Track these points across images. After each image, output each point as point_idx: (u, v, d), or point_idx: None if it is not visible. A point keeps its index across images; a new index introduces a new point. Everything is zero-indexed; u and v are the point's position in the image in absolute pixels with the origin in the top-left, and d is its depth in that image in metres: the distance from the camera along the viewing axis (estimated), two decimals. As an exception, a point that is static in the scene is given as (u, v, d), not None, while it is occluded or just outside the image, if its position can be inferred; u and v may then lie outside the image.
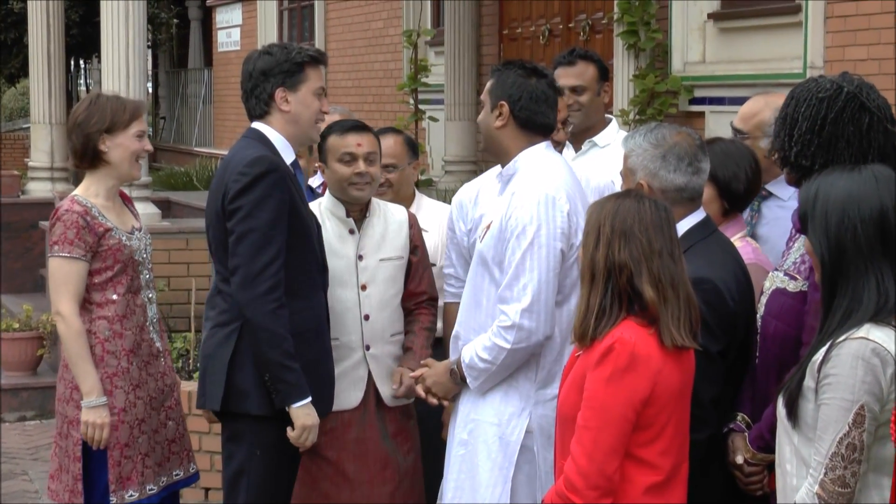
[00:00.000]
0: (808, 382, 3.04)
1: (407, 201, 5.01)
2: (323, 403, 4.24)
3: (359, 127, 4.60)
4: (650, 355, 3.24)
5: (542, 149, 4.08)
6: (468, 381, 4.02)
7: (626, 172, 3.80)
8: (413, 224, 4.68)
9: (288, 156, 4.25)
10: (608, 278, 3.28)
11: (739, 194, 4.05)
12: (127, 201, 4.82)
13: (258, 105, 4.28)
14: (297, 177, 4.29)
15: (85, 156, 4.64)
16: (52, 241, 4.57)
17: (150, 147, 4.77)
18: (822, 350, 3.02)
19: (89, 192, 4.66)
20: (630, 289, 3.27)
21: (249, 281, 4.05)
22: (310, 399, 4.12)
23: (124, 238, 4.61)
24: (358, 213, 4.58)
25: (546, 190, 3.93)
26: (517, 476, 3.95)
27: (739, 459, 3.63)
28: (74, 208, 4.56)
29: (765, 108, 4.31)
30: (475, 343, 3.99)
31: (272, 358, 4.06)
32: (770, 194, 4.37)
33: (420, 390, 4.26)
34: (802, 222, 3.18)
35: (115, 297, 4.57)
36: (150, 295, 4.71)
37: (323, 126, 4.45)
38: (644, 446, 3.26)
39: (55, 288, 4.55)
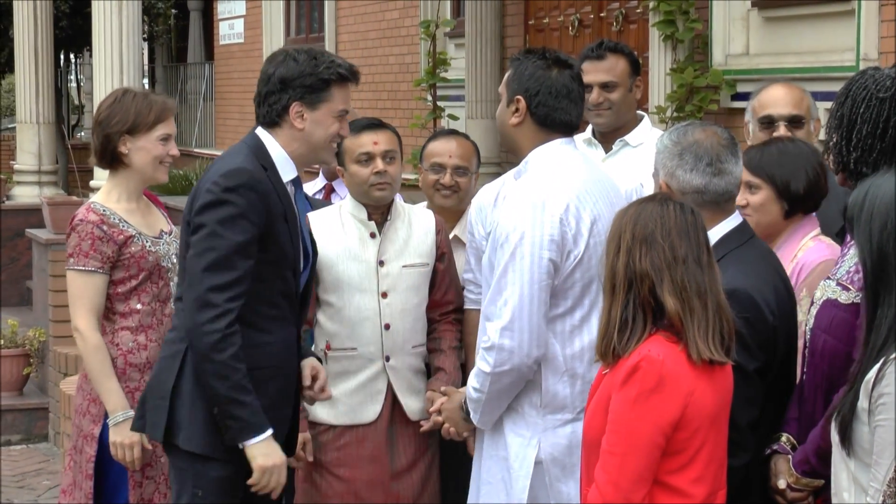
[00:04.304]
0: (863, 403, 3.04)
1: (462, 213, 5.02)
2: None
3: (374, 125, 4.68)
4: (680, 374, 3.25)
5: (557, 145, 4.05)
6: (471, 416, 4.05)
7: (654, 173, 3.85)
8: (440, 230, 4.72)
9: (287, 172, 4.09)
10: (629, 289, 3.31)
11: (799, 195, 4.10)
12: (155, 202, 4.88)
13: (269, 114, 4.08)
14: (294, 196, 4.14)
15: (104, 156, 4.72)
16: (68, 252, 4.67)
17: (176, 152, 4.77)
18: (875, 368, 3.02)
19: (110, 197, 4.73)
20: (653, 300, 3.30)
21: (198, 306, 3.88)
22: (269, 434, 3.92)
23: (149, 244, 4.68)
24: (380, 215, 4.65)
25: (537, 194, 3.91)
26: None
27: (782, 484, 3.63)
28: (89, 217, 4.64)
29: (802, 92, 4.54)
30: (472, 372, 4.02)
31: (219, 391, 3.88)
32: None
33: (438, 421, 4.39)
34: (849, 225, 3.22)
35: (139, 306, 4.67)
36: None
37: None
38: (675, 473, 3.27)
39: (71, 302, 4.66)
